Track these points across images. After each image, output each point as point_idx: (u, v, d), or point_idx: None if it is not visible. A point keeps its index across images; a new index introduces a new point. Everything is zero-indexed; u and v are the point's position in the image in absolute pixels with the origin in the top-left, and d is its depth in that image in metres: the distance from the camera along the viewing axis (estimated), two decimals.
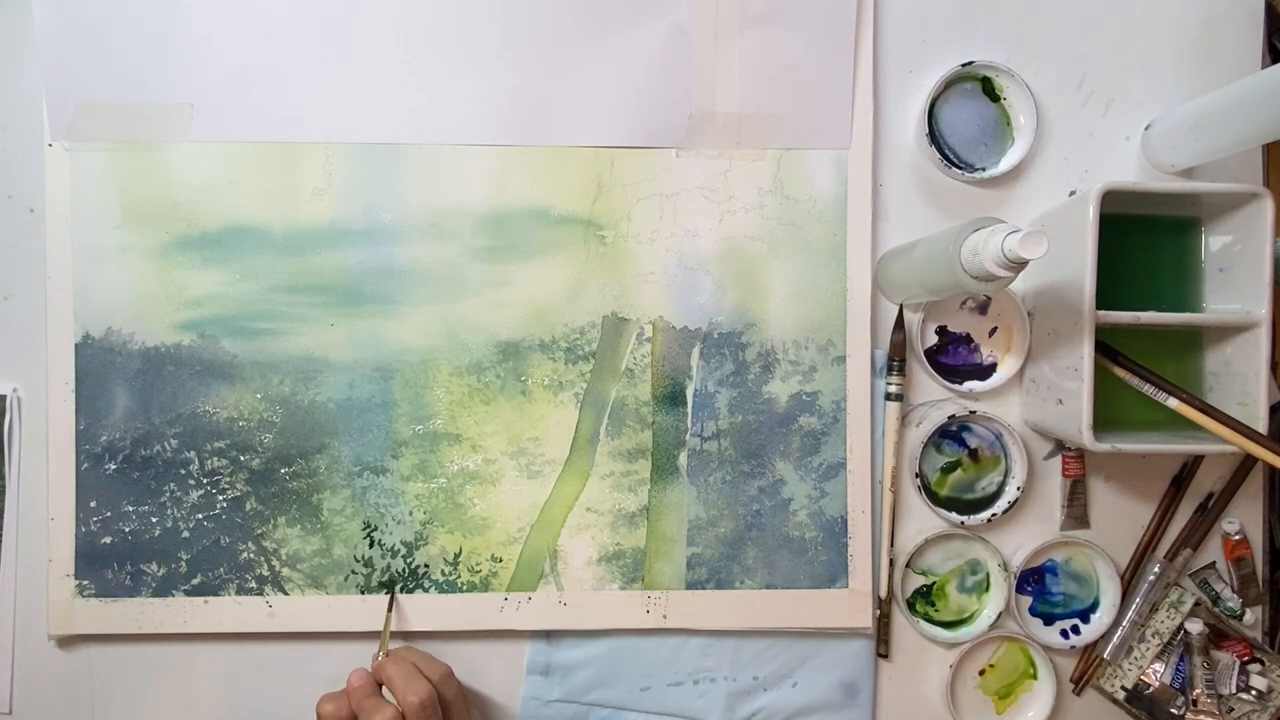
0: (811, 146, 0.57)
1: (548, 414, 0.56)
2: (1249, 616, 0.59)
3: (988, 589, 0.58)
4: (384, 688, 0.49)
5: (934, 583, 0.58)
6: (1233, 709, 0.57)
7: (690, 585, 0.57)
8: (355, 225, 0.56)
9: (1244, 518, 0.59)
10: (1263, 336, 0.52)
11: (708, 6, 0.55)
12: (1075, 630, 0.58)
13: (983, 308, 0.58)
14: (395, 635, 0.56)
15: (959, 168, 0.57)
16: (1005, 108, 0.58)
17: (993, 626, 0.57)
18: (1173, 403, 0.52)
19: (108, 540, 0.55)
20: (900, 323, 0.57)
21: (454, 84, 0.55)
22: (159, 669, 0.56)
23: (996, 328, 0.58)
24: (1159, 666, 0.58)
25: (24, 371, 0.55)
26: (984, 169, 0.58)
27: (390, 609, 0.55)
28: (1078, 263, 0.50)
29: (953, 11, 0.58)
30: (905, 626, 0.58)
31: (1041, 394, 0.56)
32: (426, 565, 0.56)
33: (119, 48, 0.54)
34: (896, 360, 0.57)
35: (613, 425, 0.57)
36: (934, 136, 0.57)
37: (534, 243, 0.56)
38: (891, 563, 0.57)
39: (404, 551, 0.56)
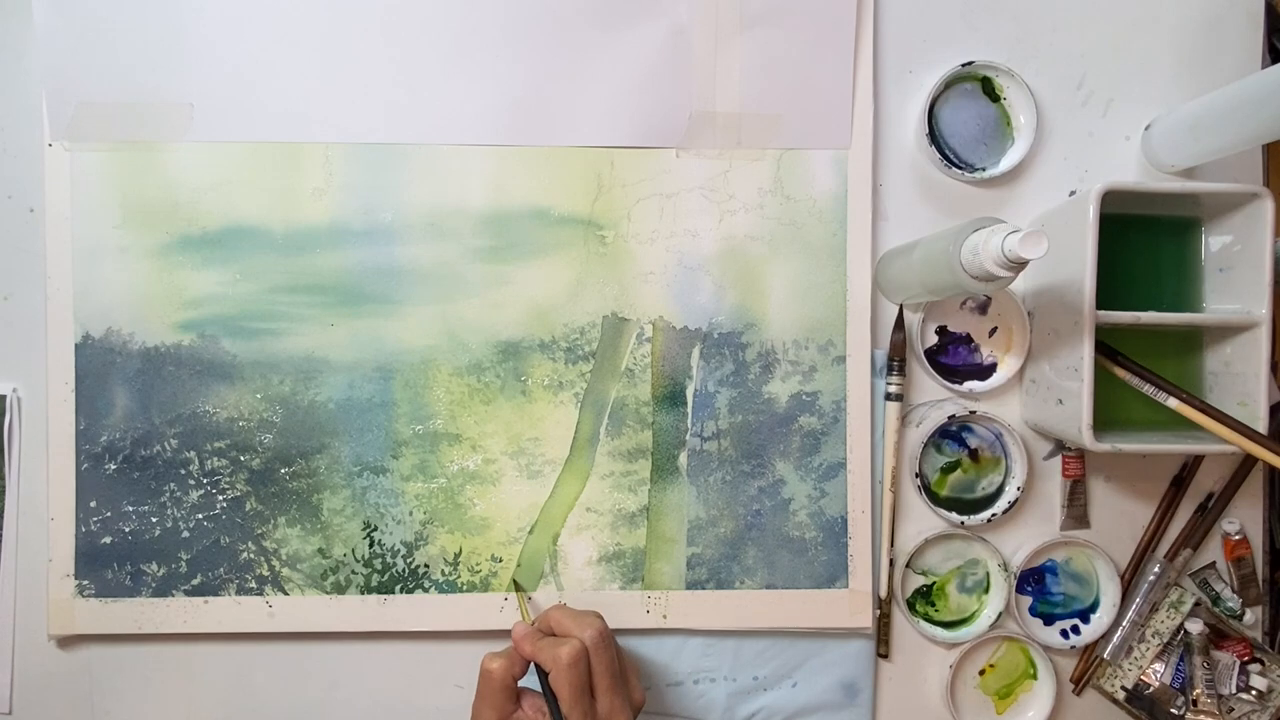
0: (811, 146, 0.57)
1: (548, 414, 0.56)
2: (1249, 616, 0.59)
3: (988, 589, 0.58)
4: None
5: (934, 583, 0.58)
6: (1233, 709, 0.57)
7: (690, 585, 0.57)
8: (355, 225, 0.56)
9: (1244, 518, 0.59)
10: (1263, 336, 0.52)
11: (708, 6, 0.55)
12: (1075, 630, 0.59)
13: (983, 308, 0.58)
14: (393, 635, 0.56)
15: (959, 168, 0.57)
16: (1005, 108, 0.58)
17: (993, 626, 0.57)
18: (1173, 403, 0.52)
19: (108, 540, 0.55)
20: (900, 323, 0.57)
21: (454, 84, 0.55)
22: (159, 669, 0.56)
23: (996, 328, 0.58)
24: (1159, 666, 0.58)
25: (24, 371, 0.55)
26: (984, 169, 0.58)
27: (520, 595, 0.56)
28: (1078, 263, 0.50)
29: (953, 11, 0.58)
30: (905, 626, 0.58)
31: (1041, 394, 0.56)
32: (426, 565, 0.56)
33: (119, 48, 0.54)
34: (896, 360, 0.57)
35: (613, 425, 0.57)
36: (934, 136, 0.57)
37: (534, 243, 0.56)
38: (891, 563, 0.57)
39: (404, 551, 0.56)
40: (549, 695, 0.47)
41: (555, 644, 0.47)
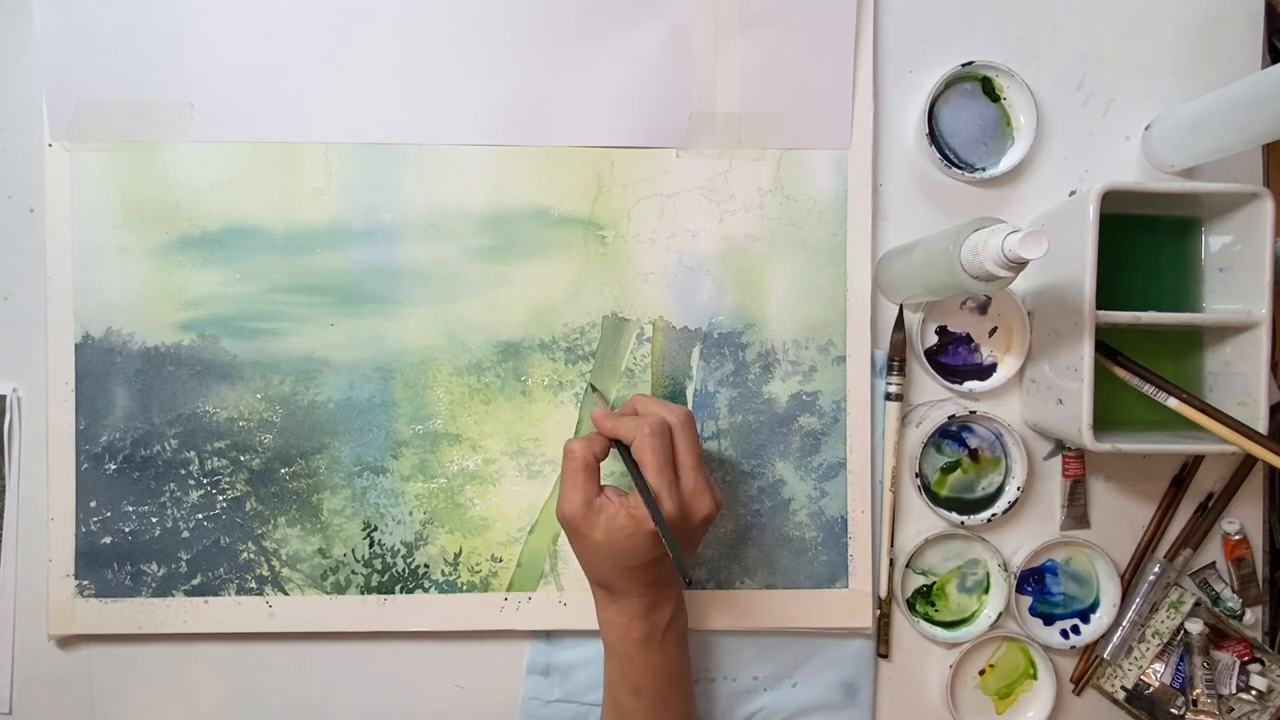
0: (811, 146, 0.57)
1: (548, 414, 0.56)
2: (1249, 616, 0.59)
3: (988, 589, 0.58)
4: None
5: (934, 583, 0.58)
6: (1233, 709, 0.57)
7: (690, 585, 0.57)
8: (355, 225, 0.56)
9: (1244, 518, 0.59)
10: (1263, 336, 0.52)
11: (708, 6, 0.55)
12: (1075, 630, 0.59)
13: (983, 308, 0.58)
14: (393, 635, 0.56)
15: (959, 168, 0.57)
16: (1005, 108, 0.58)
17: (993, 626, 0.57)
18: (1173, 403, 0.52)
19: (108, 540, 0.55)
20: (900, 323, 0.57)
21: (454, 84, 0.55)
22: (159, 669, 0.56)
23: (996, 328, 0.58)
24: (1159, 666, 0.58)
25: (24, 371, 0.55)
26: (984, 169, 0.58)
27: (598, 393, 0.56)
28: (1078, 263, 0.50)
29: (953, 11, 0.58)
30: (905, 626, 0.58)
31: (1041, 394, 0.56)
32: (426, 565, 0.56)
33: (119, 48, 0.54)
34: (896, 360, 0.57)
35: None
36: (934, 136, 0.57)
37: (534, 243, 0.56)
38: (891, 563, 0.57)
39: (404, 551, 0.56)
40: (632, 466, 0.46)
41: (638, 419, 0.47)
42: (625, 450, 0.47)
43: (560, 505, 0.48)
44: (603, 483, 0.48)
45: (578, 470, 0.47)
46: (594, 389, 0.56)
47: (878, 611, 0.58)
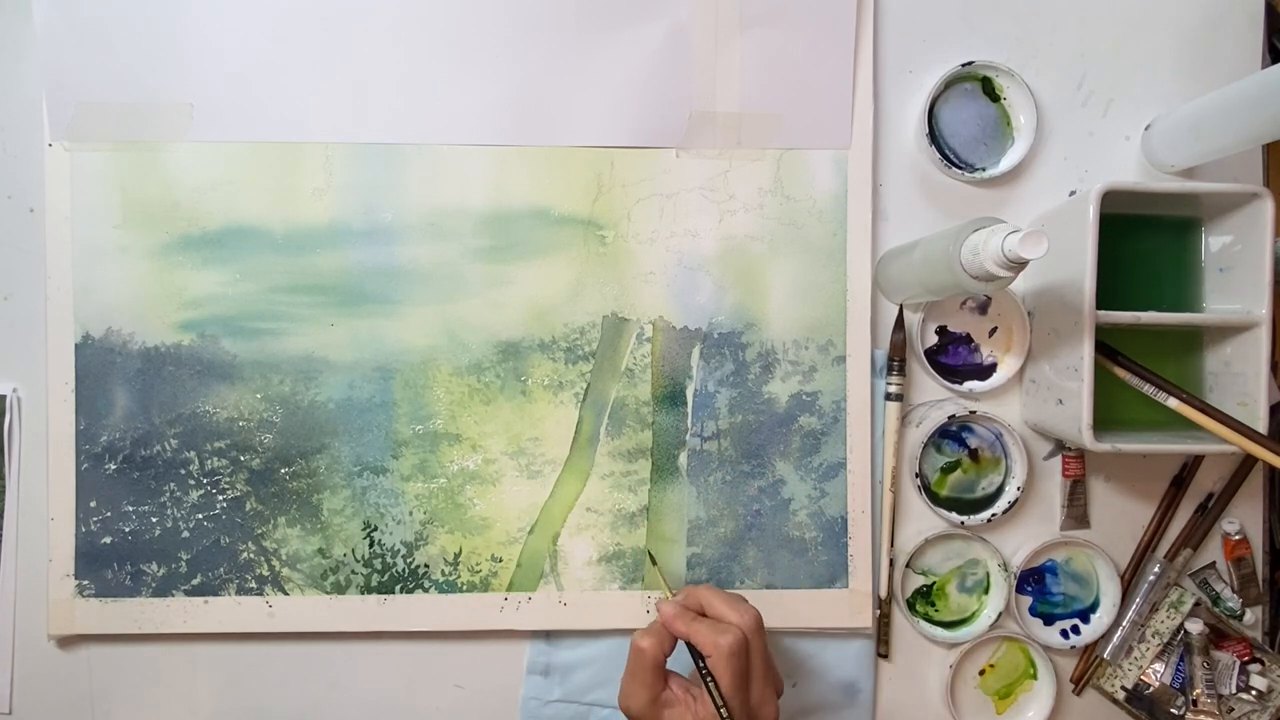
0: (811, 146, 0.57)
1: (548, 414, 0.56)
2: (1249, 616, 0.59)
3: (988, 589, 0.58)
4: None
5: (934, 583, 0.58)
6: (1233, 709, 0.57)
7: (690, 585, 0.57)
8: (355, 225, 0.56)
9: (1244, 518, 0.59)
10: (1263, 336, 0.52)
11: (708, 6, 0.55)
12: (1075, 630, 0.59)
13: (983, 308, 0.58)
14: (393, 635, 0.56)
15: (959, 168, 0.57)
16: (1005, 108, 0.58)
17: (993, 626, 0.57)
18: (1173, 403, 0.52)
19: (108, 540, 0.55)
20: (900, 323, 0.57)
21: (454, 84, 0.55)
22: (159, 669, 0.56)
23: (996, 328, 0.58)
24: (1159, 666, 0.58)
25: (24, 371, 0.55)
26: (984, 169, 0.58)
27: (657, 569, 0.55)
28: (1078, 263, 0.50)
29: (953, 11, 0.58)
30: (905, 626, 0.58)
31: (1041, 394, 0.56)
32: (426, 565, 0.56)
33: (119, 48, 0.54)
34: (896, 360, 0.57)
35: (613, 425, 0.57)
36: (934, 136, 0.57)
37: (534, 243, 0.56)
38: (891, 563, 0.57)
39: (404, 551, 0.56)
40: (707, 676, 0.46)
41: (714, 629, 0.46)
42: (698, 655, 0.47)
43: (625, 699, 0.47)
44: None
45: (645, 669, 0.46)
46: (652, 560, 0.56)
47: (878, 611, 0.58)
